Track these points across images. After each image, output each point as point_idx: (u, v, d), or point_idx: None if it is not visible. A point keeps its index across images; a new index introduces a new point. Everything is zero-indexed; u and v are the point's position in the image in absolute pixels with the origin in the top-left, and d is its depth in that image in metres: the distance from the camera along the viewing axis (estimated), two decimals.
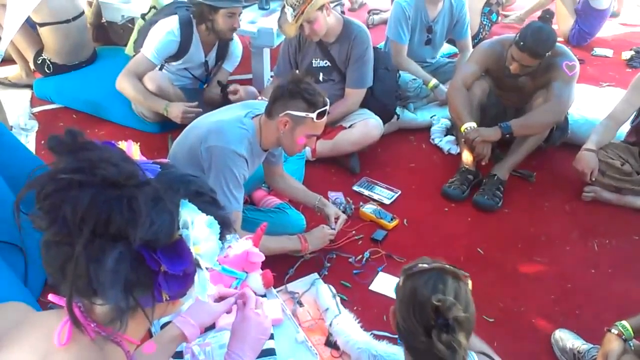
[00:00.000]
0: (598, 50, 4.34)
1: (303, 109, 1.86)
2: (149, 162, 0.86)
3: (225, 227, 0.89)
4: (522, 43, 2.47)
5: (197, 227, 0.83)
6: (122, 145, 0.87)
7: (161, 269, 0.79)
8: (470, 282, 1.20)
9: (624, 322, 1.60)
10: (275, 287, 1.91)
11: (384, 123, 2.88)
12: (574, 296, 2.11)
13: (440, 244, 2.37)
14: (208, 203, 0.88)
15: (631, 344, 1.61)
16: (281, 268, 2.11)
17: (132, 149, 0.88)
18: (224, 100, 2.83)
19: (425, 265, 1.19)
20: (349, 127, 2.78)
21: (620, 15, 5.21)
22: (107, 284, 0.75)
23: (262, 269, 1.69)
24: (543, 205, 2.64)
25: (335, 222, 2.22)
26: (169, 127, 2.92)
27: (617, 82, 3.70)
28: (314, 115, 1.87)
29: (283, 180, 2.32)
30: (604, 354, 1.57)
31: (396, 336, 1.91)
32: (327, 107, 1.92)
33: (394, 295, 2.05)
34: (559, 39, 2.49)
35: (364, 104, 2.85)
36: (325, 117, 1.94)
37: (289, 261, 2.18)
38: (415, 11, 3.17)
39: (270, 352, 1.47)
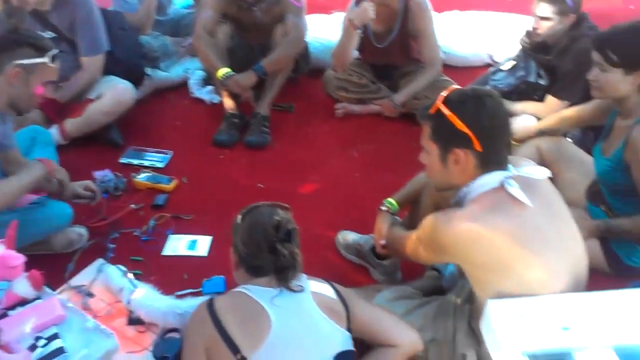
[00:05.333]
0: None
1: (34, 55, 1.79)
2: None
3: None
4: None
5: None
6: None
7: None
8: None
9: (390, 199, 1.81)
10: (55, 288, 1.72)
11: (136, 87, 2.71)
12: (346, 200, 2.36)
13: (223, 190, 2.41)
14: None
15: (398, 218, 1.84)
16: (59, 266, 1.93)
17: None
18: None
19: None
20: (97, 97, 2.55)
21: None
22: None
23: (27, 270, 1.49)
24: (307, 130, 2.85)
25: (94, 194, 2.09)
26: None
27: (343, 7, 4.07)
28: (47, 59, 1.80)
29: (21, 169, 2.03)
30: (378, 229, 1.76)
31: (199, 289, 1.91)
32: (56, 51, 1.85)
33: (189, 253, 2.06)
34: None
35: (108, 70, 2.63)
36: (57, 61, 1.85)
37: (65, 257, 1.99)
38: None
39: (59, 351, 1.34)
